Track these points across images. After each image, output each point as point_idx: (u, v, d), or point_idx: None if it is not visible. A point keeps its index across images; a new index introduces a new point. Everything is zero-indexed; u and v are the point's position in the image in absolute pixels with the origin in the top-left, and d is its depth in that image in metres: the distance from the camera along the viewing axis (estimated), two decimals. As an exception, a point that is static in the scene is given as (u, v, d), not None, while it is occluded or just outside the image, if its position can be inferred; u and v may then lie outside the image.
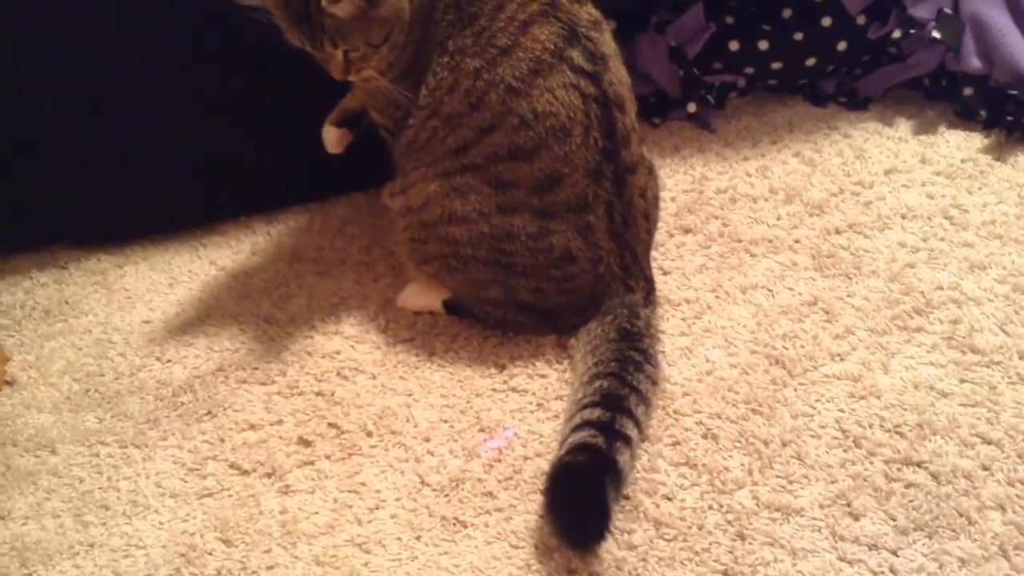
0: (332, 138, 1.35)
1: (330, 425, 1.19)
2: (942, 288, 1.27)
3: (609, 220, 1.17)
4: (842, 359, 1.19)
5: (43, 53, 1.37)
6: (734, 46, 1.60)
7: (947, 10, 1.56)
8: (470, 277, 1.21)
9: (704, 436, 1.12)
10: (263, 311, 1.37)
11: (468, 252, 1.19)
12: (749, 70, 1.63)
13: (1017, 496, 1.01)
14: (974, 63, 1.55)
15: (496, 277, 1.20)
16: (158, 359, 1.32)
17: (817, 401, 1.14)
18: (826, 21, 1.58)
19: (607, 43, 1.18)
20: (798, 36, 1.59)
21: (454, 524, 1.06)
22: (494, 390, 1.21)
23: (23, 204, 1.49)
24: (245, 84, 1.43)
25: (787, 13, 1.59)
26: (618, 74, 1.18)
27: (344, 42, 1.13)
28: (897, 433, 1.09)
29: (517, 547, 1.03)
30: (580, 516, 1.00)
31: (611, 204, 1.17)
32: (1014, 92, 1.52)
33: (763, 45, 1.59)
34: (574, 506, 1.00)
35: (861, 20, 1.58)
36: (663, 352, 1.21)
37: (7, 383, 1.31)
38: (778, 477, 1.06)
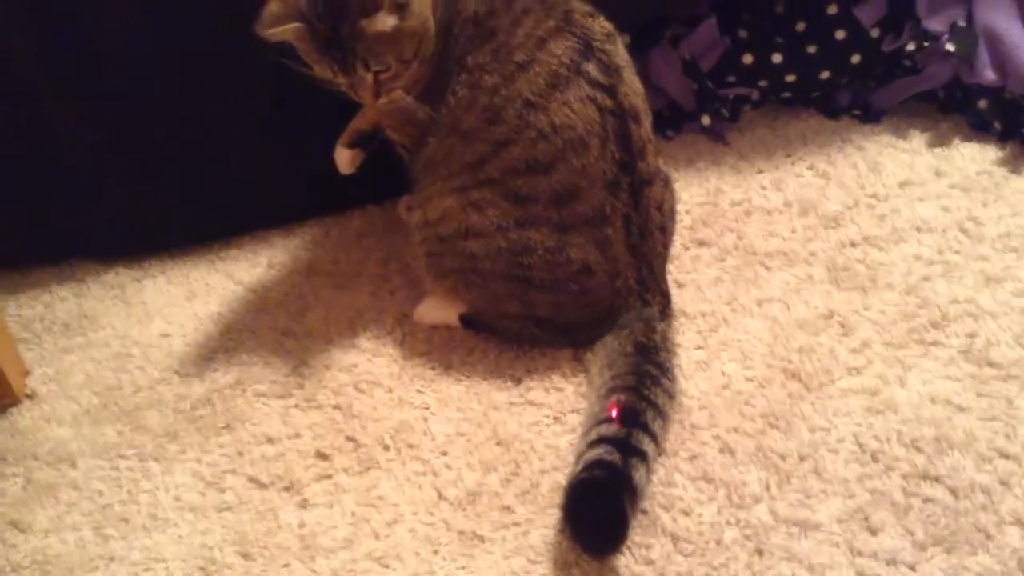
0: (344, 159, 1.35)
1: (347, 439, 1.19)
2: (958, 301, 1.26)
3: (626, 233, 1.18)
4: (859, 373, 1.19)
5: (61, 67, 1.38)
6: (748, 59, 1.60)
7: (961, 23, 1.56)
8: (487, 291, 1.22)
9: (721, 450, 1.12)
10: (280, 324, 1.38)
11: (486, 266, 1.19)
12: (763, 83, 1.63)
13: (1036, 511, 1.01)
14: (988, 75, 1.54)
15: (514, 291, 1.20)
16: (176, 372, 1.33)
17: (834, 415, 1.14)
18: (840, 34, 1.58)
19: (621, 55, 1.19)
20: (812, 49, 1.59)
21: (472, 538, 1.06)
22: (511, 403, 1.21)
23: (42, 218, 1.50)
24: (262, 97, 1.44)
25: (801, 26, 1.59)
26: (632, 85, 1.19)
27: (376, 62, 1.13)
28: (914, 447, 1.09)
29: (535, 562, 1.03)
30: (598, 524, 1.01)
31: (628, 217, 1.17)
32: (1029, 104, 1.52)
33: (777, 58, 1.60)
34: (592, 514, 1.01)
35: (875, 33, 1.58)
36: (679, 366, 1.21)
37: (27, 396, 1.32)
38: (795, 492, 1.06)
